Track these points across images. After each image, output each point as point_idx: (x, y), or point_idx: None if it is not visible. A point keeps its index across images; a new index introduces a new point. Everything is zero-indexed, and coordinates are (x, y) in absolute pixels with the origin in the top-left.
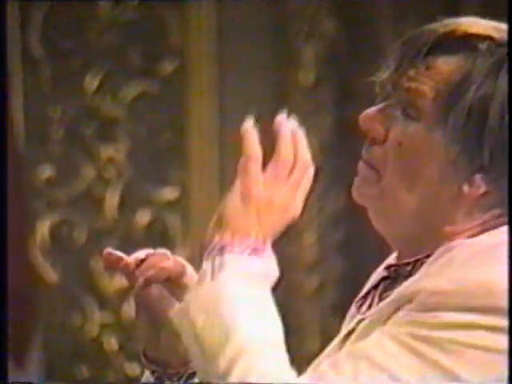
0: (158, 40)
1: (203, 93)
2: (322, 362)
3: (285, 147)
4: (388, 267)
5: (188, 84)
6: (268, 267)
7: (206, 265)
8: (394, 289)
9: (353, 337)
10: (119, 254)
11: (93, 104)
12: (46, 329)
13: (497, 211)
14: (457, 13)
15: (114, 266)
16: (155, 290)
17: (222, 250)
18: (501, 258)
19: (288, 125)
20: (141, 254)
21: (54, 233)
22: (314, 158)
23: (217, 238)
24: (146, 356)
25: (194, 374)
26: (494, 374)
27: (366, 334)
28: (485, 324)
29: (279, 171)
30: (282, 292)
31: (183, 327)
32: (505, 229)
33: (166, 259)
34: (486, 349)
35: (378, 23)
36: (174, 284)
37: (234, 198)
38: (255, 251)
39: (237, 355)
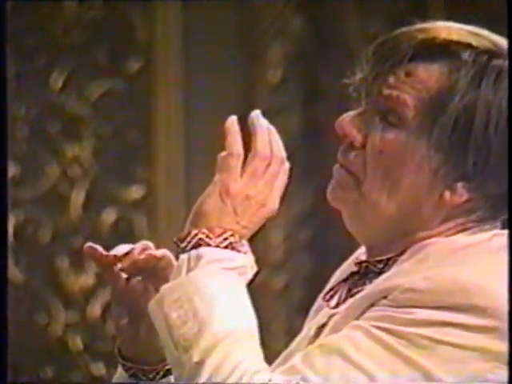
0: (123, 38)
1: (169, 91)
2: (294, 356)
3: (261, 143)
4: (359, 263)
5: (154, 82)
6: (245, 262)
7: (182, 258)
8: (364, 285)
9: (326, 331)
10: (100, 248)
11: (58, 102)
12: (11, 328)
13: (473, 217)
14: (424, 11)
15: (97, 259)
16: (139, 284)
17: (198, 244)
18: (475, 257)
19: (263, 121)
20: (123, 248)
21: (19, 232)
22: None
23: (194, 232)
24: (121, 353)
25: (170, 371)
26: (466, 371)
27: (339, 328)
28: (458, 322)
29: (256, 167)
30: (249, 290)
31: (158, 319)
32: (477, 230)
33: (151, 249)
34: (458, 346)
35: (346, 21)
36: (160, 275)
37: (212, 194)
38: (232, 245)
39: (211, 346)
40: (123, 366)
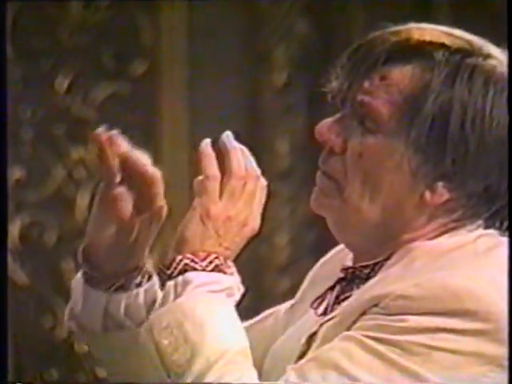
0: (129, 41)
1: (174, 94)
2: (287, 369)
3: (235, 163)
4: (345, 269)
5: (159, 85)
6: (232, 283)
7: (169, 284)
8: (351, 290)
9: (317, 341)
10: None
11: (63, 105)
12: (16, 331)
13: (455, 216)
14: (428, 13)
15: (100, 141)
16: (125, 193)
17: (184, 269)
18: (462, 260)
19: (233, 141)
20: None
21: (24, 234)
22: (286, 159)
23: (178, 258)
24: (84, 253)
25: (121, 288)
26: (461, 376)
27: (331, 338)
28: (450, 327)
29: (234, 187)
30: (254, 294)
31: (148, 347)
32: (461, 231)
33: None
34: (452, 351)
35: (351, 24)
36: (144, 192)
37: (192, 218)
38: (218, 268)
39: (204, 370)
40: (82, 268)
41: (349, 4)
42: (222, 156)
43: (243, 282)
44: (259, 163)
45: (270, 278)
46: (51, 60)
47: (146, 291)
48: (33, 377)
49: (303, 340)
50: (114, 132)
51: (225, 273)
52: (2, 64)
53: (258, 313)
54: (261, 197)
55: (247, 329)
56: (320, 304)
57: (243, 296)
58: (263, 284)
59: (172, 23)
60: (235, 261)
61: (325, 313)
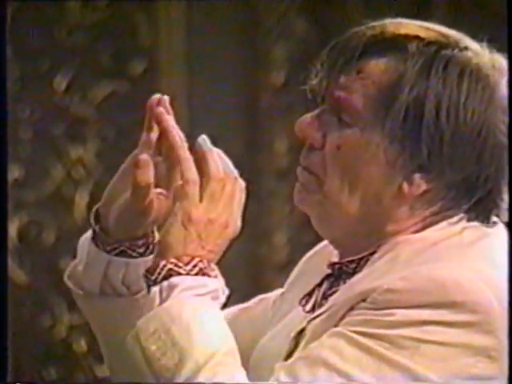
0: (127, 40)
1: (173, 93)
2: (276, 368)
3: (213, 166)
4: (331, 265)
5: (158, 84)
6: (216, 286)
7: (154, 290)
8: (338, 286)
9: (306, 337)
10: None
11: (62, 104)
12: (15, 330)
13: (436, 208)
14: (428, 12)
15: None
16: (150, 165)
17: (169, 274)
18: (447, 252)
19: (209, 144)
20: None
21: (23, 233)
22: (284, 158)
23: (162, 263)
24: (96, 213)
25: (124, 253)
26: (450, 368)
27: (319, 334)
28: (438, 319)
29: (213, 190)
30: (253, 292)
31: (135, 353)
32: (445, 224)
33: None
34: (441, 344)
35: (350, 22)
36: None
37: (174, 223)
38: (202, 271)
39: (194, 373)
40: (92, 227)
41: (347, 3)
42: (198, 159)
43: (242, 280)
44: (258, 162)
45: (268, 276)
46: (50, 59)
47: (146, 263)
48: (32, 376)
49: (292, 336)
50: (165, 97)
51: (209, 276)
52: (2, 64)
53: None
54: (240, 198)
55: (236, 314)
56: (308, 301)
57: (228, 298)
58: (262, 283)
59: (170, 22)
60: (234, 260)
61: (313, 309)
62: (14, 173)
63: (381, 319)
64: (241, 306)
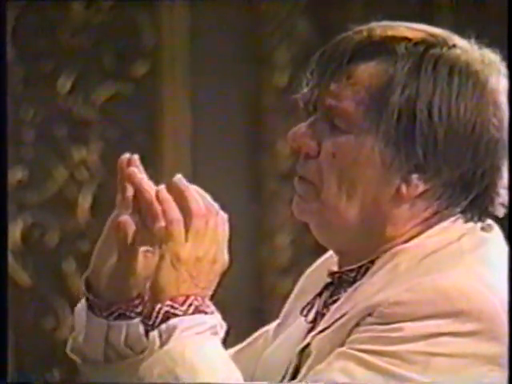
0: (130, 42)
1: (176, 95)
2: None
3: (193, 203)
4: (331, 274)
5: (161, 86)
6: (214, 322)
7: (153, 334)
8: (339, 294)
9: (312, 356)
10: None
11: (65, 106)
12: (18, 332)
13: (434, 208)
14: (431, 14)
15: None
16: (131, 226)
17: (166, 317)
18: (448, 260)
19: (185, 182)
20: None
21: (26, 235)
22: (287, 160)
23: (158, 307)
24: (87, 281)
25: (122, 316)
26: (460, 378)
27: (326, 353)
28: (446, 330)
29: (197, 227)
30: (256, 295)
31: None
32: (443, 226)
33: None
34: (450, 355)
35: (352, 24)
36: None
37: (163, 266)
38: (198, 309)
39: None
40: (84, 295)
41: (350, 4)
42: (177, 200)
43: (246, 283)
44: (260, 164)
45: (271, 279)
46: (53, 61)
47: None
48: (35, 377)
49: (297, 351)
50: (135, 156)
51: (206, 313)
52: (2, 64)
53: (260, 313)
54: (223, 230)
55: (239, 352)
56: (309, 311)
57: (227, 333)
58: (265, 285)
59: (173, 24)
60: (236, 262)
61: (315, 319)
62: (17, 174)
63: (389, 335)
64: (242, 344)
